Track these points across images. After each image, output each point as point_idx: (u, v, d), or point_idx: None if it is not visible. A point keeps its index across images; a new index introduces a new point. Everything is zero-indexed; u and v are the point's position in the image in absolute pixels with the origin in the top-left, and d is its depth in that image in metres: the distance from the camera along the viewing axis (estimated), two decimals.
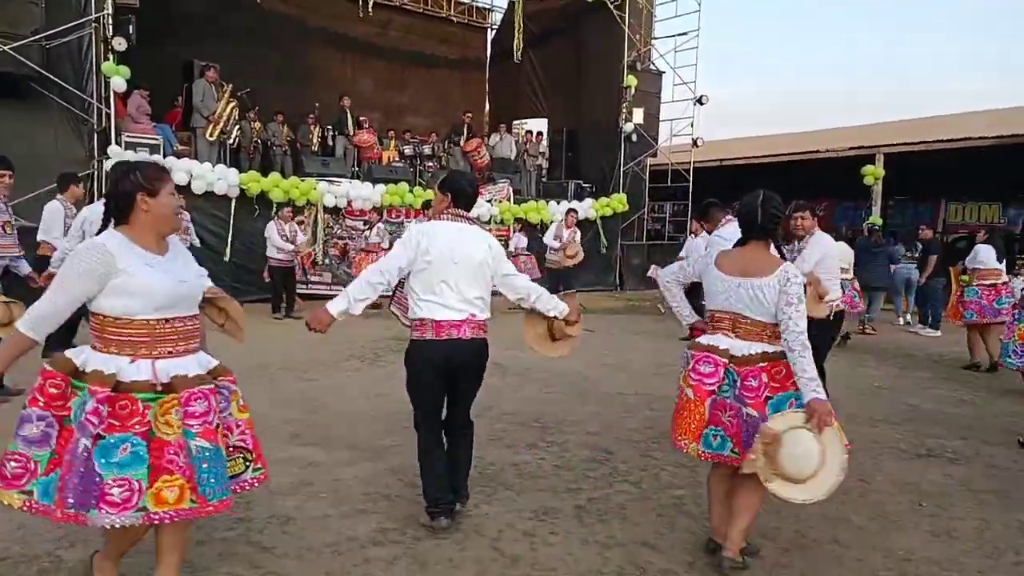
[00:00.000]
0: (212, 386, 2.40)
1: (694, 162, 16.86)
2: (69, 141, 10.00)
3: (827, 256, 5.02)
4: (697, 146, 16.45)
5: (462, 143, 14.82)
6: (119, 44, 10.03)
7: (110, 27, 10.15)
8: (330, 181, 11.96)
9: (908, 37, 67.11)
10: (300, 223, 11.63)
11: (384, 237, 11.37)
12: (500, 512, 3.56)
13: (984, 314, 7.56)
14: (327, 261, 12.03)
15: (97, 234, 2.41)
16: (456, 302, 3.19)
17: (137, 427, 2.26)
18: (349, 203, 12.06)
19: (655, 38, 16.78)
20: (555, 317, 3.56)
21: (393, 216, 12.58)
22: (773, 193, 3.00)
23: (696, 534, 3.37)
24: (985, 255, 7.77)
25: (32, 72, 9.27)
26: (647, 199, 16.92)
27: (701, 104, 16.26)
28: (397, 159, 13.98)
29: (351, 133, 13.57)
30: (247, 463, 2.53)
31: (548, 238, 11.98)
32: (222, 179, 10.78)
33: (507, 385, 6.33)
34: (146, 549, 2.64)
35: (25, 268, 5.67)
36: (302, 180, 11.68)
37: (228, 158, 11.67)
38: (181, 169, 10.42)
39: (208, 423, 2.33)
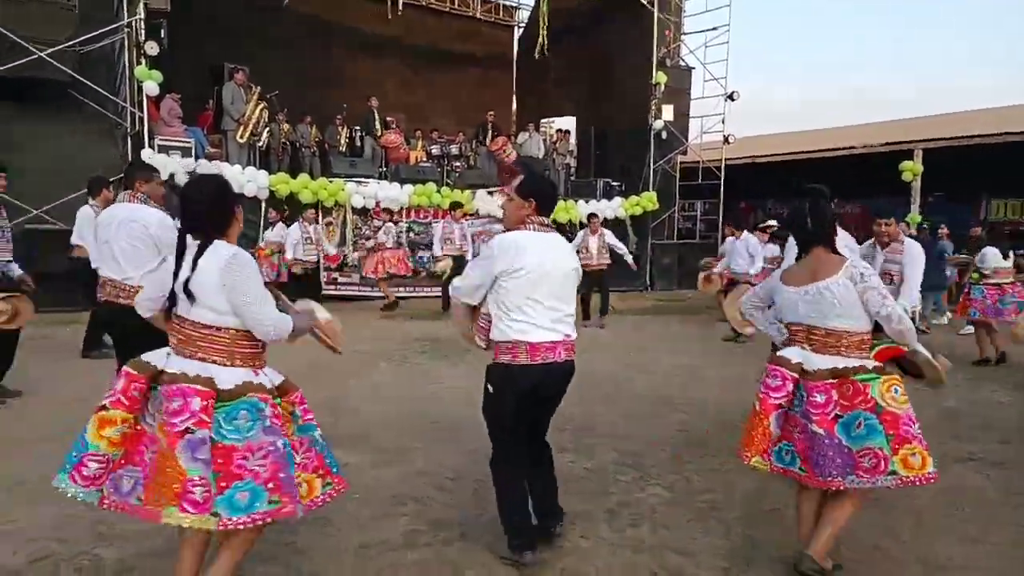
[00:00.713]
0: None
1: (725, 159, 16.66)
2: (103, 145, 10.19)
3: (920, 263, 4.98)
4: (728, 143, 16.26)
5: (487, 142, 14.81)
6: (151, 49, 10.19)
7: (142, 32, 10.34)
8: (358, 182, 12.04)
9: (916, 34, 65.59)
10: (328, 224, 11.75)
11: (391, 236, 11.39)
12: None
13: (987, 313, 7.76)
14: (355, 263, 12.10)
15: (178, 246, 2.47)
16: (550, 321, 2.92)
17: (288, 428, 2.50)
18: (377, 204, 12.12)
19: (685, 34, 16.59)
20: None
21: (421, 216, 12.62)
22: (819, 194, 2.96)
23: (731, 540, 3.31)
24: (992, 258, 7.86)
25: (67, 77, 9.47)
26: (677, 197, 16.75)
27: (732, 100, 16.05)
28: (424, 159, 14.02)
29: (379, 134, 13.64)
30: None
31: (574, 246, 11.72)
32: (252, 181, 10.91)
33: None
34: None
35: (17, 271, 5.80)
36: (330, 181, 11.78)
37: (258, 160, 11.82)
38: (212, 172, 10.55)
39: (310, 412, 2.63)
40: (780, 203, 21.67)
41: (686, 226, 19.05)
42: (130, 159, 10.28)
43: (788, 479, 3.01)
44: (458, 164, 14.39)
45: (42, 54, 9.11)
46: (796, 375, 2.83)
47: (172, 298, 2.42)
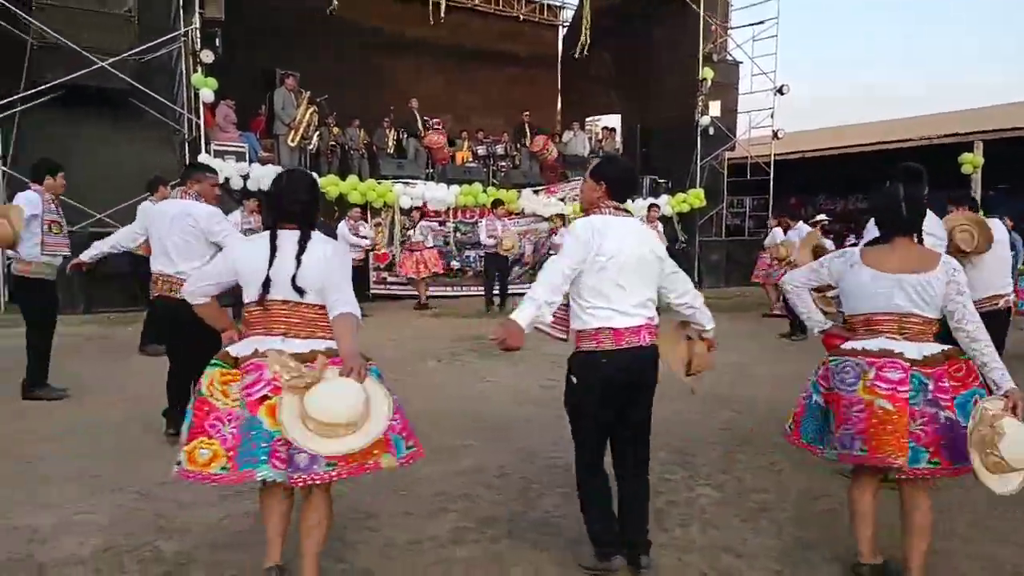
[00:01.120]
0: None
1: (775, 155, 16.33)
2: (162, 151, 10.55)
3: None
4: (778, 138, 15.93)
5: (528, 143, 14.81)
6: (207, 57, 10.50)
7: (198, 41, 10.65)
8: (405, 183, 12.19)
9: (926, 30, 62.81)
10: (377, 224, 11.93)
11: (427, 235, 11.50)
12: (578, 513, 3.50)
13: None
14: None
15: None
16: (632, 307, 2.82)
17: None
18: (424, 204, 12.25)
19: (731, 28, 16.32)
20: (701, 337, 3.17)
21: (467, 216, 12.70)
22: (916, 176, 2.88)
23: (783, 541, 3.25)
24: None
25: (127, 86, 9.83)
26: (725, 194, 16.50)
27: (782, 94, 15.75)
28: (471, 159, 14.11)
29: (421, 135, 13.77)
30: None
31: None
32: None
33: None
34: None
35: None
36: (379, 183, 11.95)
37: (308, 163, 12.06)
38: (265, 175, 10.82)
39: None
40: (831, 198, 21.15)
41: (734, 222, 18.75)
42: (187, 165, 10.63)
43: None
44: (503, 164, 14.45)
45: (104, 64, 9.47)
46: (908, 364, 2.68)
47: (266, 285, 2.57)
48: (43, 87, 9.44)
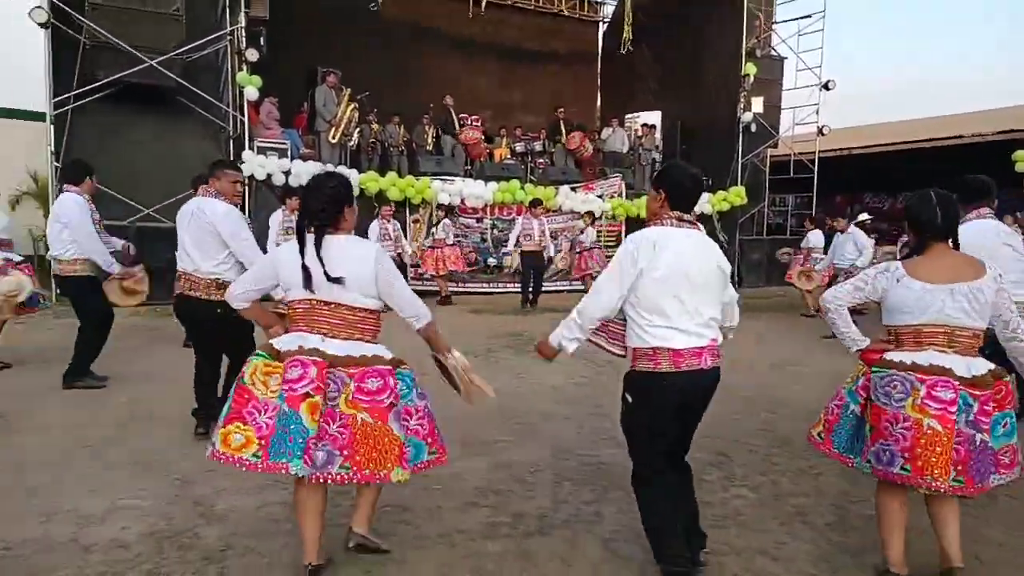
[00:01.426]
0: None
1: (819, 151, 15.99)
2: (208, 147, 10.76)
3: None
4: (823, 135, 15.59)
5: (563, 140, 14.76)
6: (252, 55, 10.70)
7: (243, 39, 10.85)
8: (444, 180, 12.25)
9: (981, 22, 59.83)
10: (416, 221, 12.02)
11: (449, 233, 11.53)
12: (613, 512, 3.51)
13: None
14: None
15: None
16: (694, 326, 2.66)
17: None
18: (462, 201, 12.30)
19: (776, 22, 16.02)
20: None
21: (504, 214, 12.72)
22: (945, 191, 2.80)
23: (819, 546, 3.19)
24: None
25: (174, 84, 10.06)
26: (767, 192, 16.22)
27: (828, 90, 15.41)
28: (509, 156, 14.12)
29: (457, 132, 13.82)
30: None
31: None
32: None
33: (619, 384, 6.19)
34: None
35: (118, 243, 5.85)
36: (417, 179, 12.03)
37: (348, 159, 12.21)
38: (306, 171, 10.99)
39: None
40: (878, 196, 20.63)
41: (776, 221, 18.42)
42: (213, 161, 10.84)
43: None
44: (542, 161, 14.43)
45: (153, 62, 9.71)
46: (957, 383, 2.59)
47: (308, 285, 2.64)
48: (95, 85, 9.71)
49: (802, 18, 15.72)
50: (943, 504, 2.75)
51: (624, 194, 13.79)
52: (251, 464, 2.53)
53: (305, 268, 2.63)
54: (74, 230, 5.32)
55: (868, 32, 58.66)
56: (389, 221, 10.79)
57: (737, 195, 14.63)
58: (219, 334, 4.32)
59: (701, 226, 2.86)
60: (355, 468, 2.57)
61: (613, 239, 13.90)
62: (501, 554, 3.05)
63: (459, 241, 12.02)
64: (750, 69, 14.56)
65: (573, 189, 13.39)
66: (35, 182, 13.56)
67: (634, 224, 13.84)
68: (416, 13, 15.83)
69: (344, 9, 14.68)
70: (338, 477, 2.57)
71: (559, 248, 12.69)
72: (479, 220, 12.66)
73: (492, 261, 12.62)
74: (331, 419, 2.58)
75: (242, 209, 10.74)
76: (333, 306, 2.67)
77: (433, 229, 11.68)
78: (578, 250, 12.35)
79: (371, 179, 11.53)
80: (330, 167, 11.25)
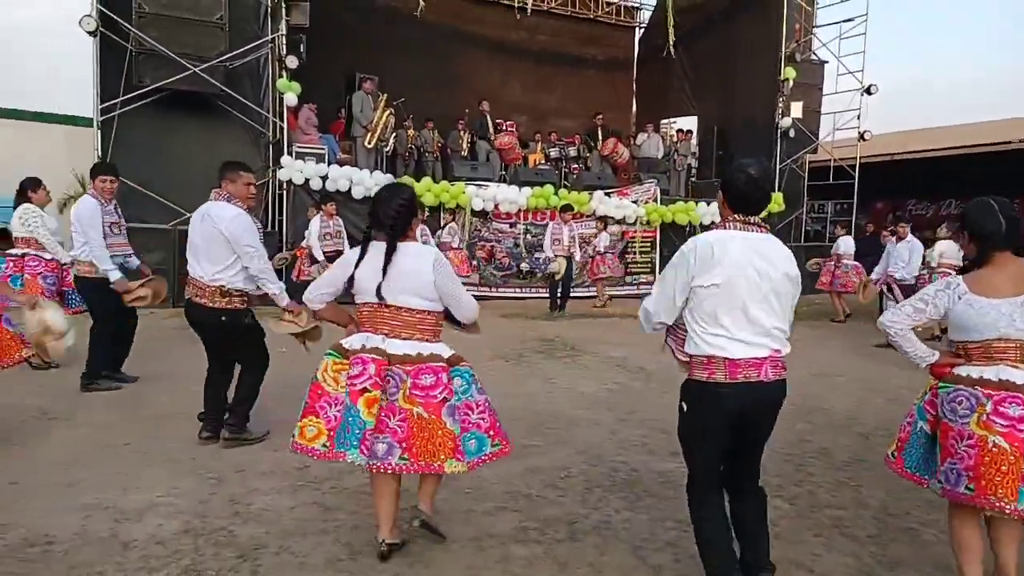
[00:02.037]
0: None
1: (860, 157, 15.68)
2: (249, 153, 10.96)
3: None
4: (864, 140, 15.29)
5: (599, 146, 14.70)
6: (292, 62, 10.90)
7: (284, 47, 11.05)
8: (478, 185, 12.29)
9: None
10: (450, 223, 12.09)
11: (454, 236, 11.54)
12: (643, 519, 3.48)
13: None
14: (475, 263, 12.38)
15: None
16: (753, 335, 2.49)
17: None
18: (496, 206, 12.34)
19: (817, 26, 15.76)
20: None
21: (538, 219, 12.71)
22: (1003, 198, 2.70)
23: (859, 558, 3.12)
24: None
25: (217, 90, 10.29)
26: (805, 198, 15.95)
27: (870, 94, 15.11)
28: (543, 162, 14.12)
29: (492, 137, 13.85)
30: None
31: None
32: (379, 185, 11.38)
33: (651, 390, 6.19)
34: None
35: (135, 262, 5.83)
36: (451, 184, 12.10)
37: (384, 164, 12.34)
38: (343, 176, 11.14)
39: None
40: (921, 203, 20.15)
41: (814, 228, 18.09)
42: (271, 166, 11.05)
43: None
44: (576, 166, 14.40)
45: (196, 69, 9.95)
46: None
47: (379, 290, 2.83)
48: (141, 91, 9.98)
49: (844, 21, 15.46)
50: (1004, 525, 2.64)
51: (659, 199, 13.69)
52: (320, 453, 2.79)
53: (351, 278, 2.88)
54: (81, 232, 5.31)
55: (913, 35, 57.28)
56: (332, 218, 10.15)
57: (774, 201, 14.40)
58: (225, 342, 4.31)
59: (766, 227, 2.62)
60: (412, 459, 2.76)
61: (648, 245, 13.82)
62: (530, 559, 3.04)
63: (466, 245, 12.10)
64: (789, 73, 14.36)
65: (607, 194, 13.33)
66: (82, 186, 13.98)
67: (669, 230, 13.74)
68: (453, 19, 15.94)
69: (382, 16, 14.88)
70: (397, 467, 2.77)
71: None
72: (512, 225, 12.67)
73: (524, 266, 12.61)
74: (392, 413, 2.79)
75: (278, 213, 11.00)
76: (393, 309, 2.86)
77: (440, 232, 11.72)
78: (591, 254, 12.29)
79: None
80: (366, 172, 11.40)
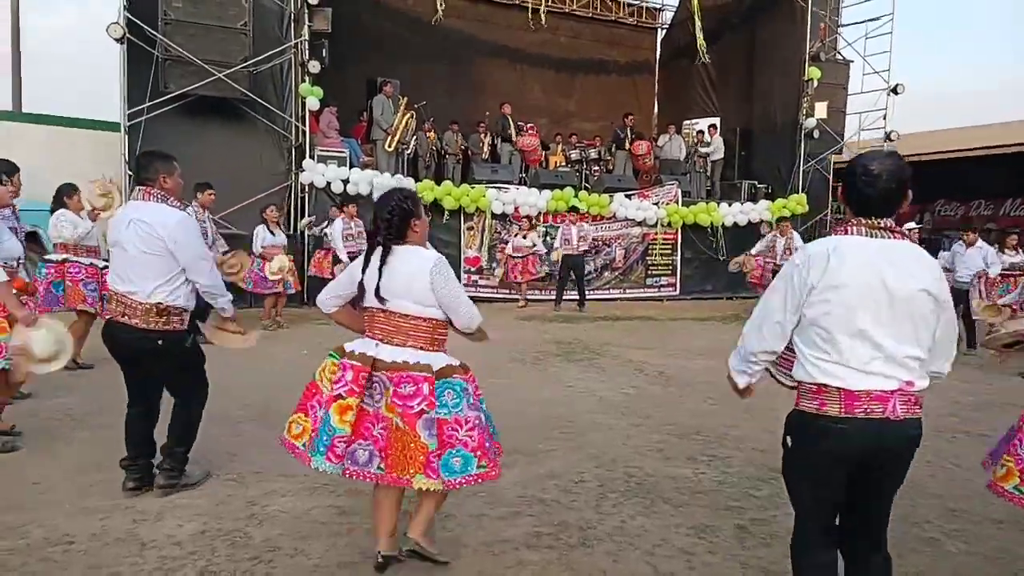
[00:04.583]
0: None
1: None
2: (272, 157, 11.13)
3: None
4: (891, 140, 15.05)
5: (628, 145, 14.64)
6: (314, 67, 11.01)
7: (306, 52, 11.17)
8: (498, 188, 12.31)
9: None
10: (470, 229, 12.12)
11: (535, 242, 11.67)
12: (657, 526, 3.46)
13: None
14: (494, 266, 12.39)
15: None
16: (879, 363, 2.07)
17: None
18: (516, 209, 12.35)
19: (842, 25, 15.56)
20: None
21: (558, 221, 12.69)
22: None
23: None
24: None
25: (241, 96, 10.43)
26: (831, 199, 15.74)
27: (896, 94, 14.88)
28: (563, 164, 14.10)
29: (514, 139, 13.85)
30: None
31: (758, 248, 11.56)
32: None
33: (669, 395, 6.16)
34: None
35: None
36: (472, 187, 12.13)
37: (405, 168, 12.41)
38: (364, 179, 11.23)
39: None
40: (950, 204, 19.80)
41: None
42: (293, 170, 11.16)
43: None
44: (596, 168, 14.37)
45: (221, 75, 10.09)
46: None
47: (378, 294, 2.76)
48: (167, 97, 10.15)
49: (869, 20, 15.24)
50: None
51: (680, 201, 13.61)
52: (299, 452, 2.77)
53: (361, 284, 2.80)
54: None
55: (940, 34, 56.29)
56: (353, 219, 10.19)
57: (798, 203, 14.25)
58: (159, 369, 3.57)
59: (906, 233, 2.22)
60: (387, 470, 2.71)
61: (669, 247, 13.73)
62: (543, 565, 3.04)
63: (487, 248, 12.27)
64: (813, 74, 14.19)
65: (628, 197, 13.28)
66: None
67: (691, 231, 13.64)
68: (472, 23, 16.01)
69: (402, 22, 15.00)
70: (375, 476, 2.72)
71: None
72: (532, 228, 12.64)
73: (545, 269, 12.61)
74: (376, 421, 2.73)
75: (301, 216, 11.08)
76: (387, 314, 2.79)
77: (515, 236, 11.92)
78: (518, 255, 12.06)
79: (427, 187, 11.68)
80: (387, 176, 11.47)
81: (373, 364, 2.72)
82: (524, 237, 12.10)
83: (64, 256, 6.35)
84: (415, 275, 2.74)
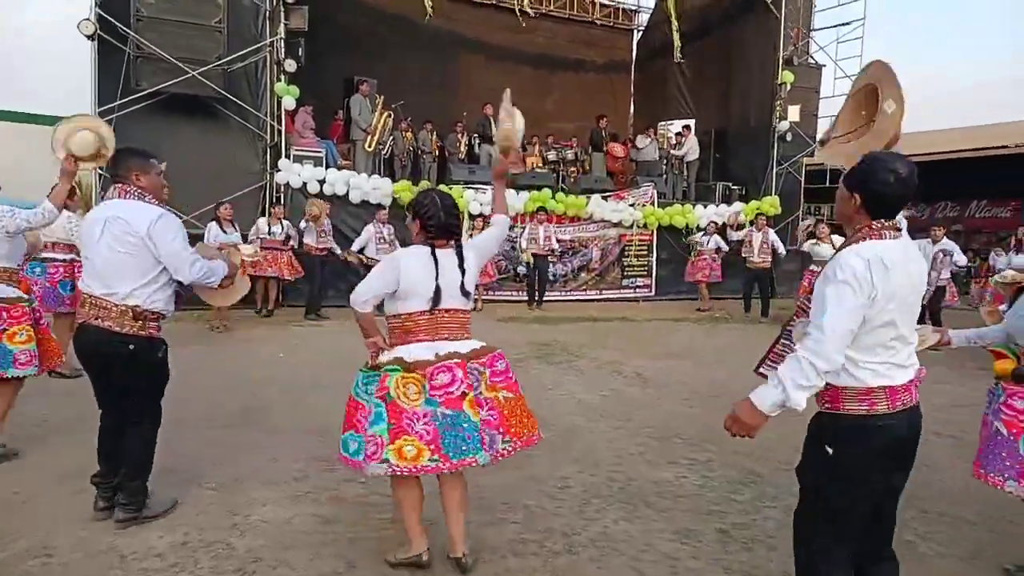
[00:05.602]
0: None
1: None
2: (247, 156, 11.00)
3: None
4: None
5: (605, 147, 14.72)
6: (290, 66, 10.91)
7: (282, 50, 11.06)
8: (476, 188, 12.29)
9: None
10: None
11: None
12: (641, 531, 3.49)
13: None
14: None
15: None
16: (910, 355, 2.24)
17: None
18: (493, 210, 12.32)
19: (814, 30, 15.80)
20: None
21: (534, 222, 12.68)
22: None
23: None
24: None
25: (215, 94, 10.29)
26: (803, 201, 15.99)
27: None
28: (540, 165, 14.12)
29: (495, 139, 13.81)
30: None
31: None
32: (378, 188, 11.42)
33: (647, 397, 6.21)
34: None
35: None
36: (449, 188, 12.08)
37: (382, 168, 12.34)
38: (340, 180, 11.16)
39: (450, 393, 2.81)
40: (916, 206, 20.22)
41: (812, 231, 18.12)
42: (269, 169, 11.04)
43: None
44: (573, 169, 14.41)
45: (194, 73, 9.95)
46: None
47: (437, 295, 2.88)
48: (139, 95, 9.97)
49: (841, 25, 15.49)
50: None
51: (656, 203, 13.71)
52: (432, 468, 2.76)
53: (438, 288, 2.88)
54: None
55: (911, 38, 57.34)
56: (384, 224, 10.64)
57: (771, 204, 14.45)
58: (127, 377, 3.34)
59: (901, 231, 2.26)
60: (515, 439, 2.89)
61: (644, 248, 13.83)
62: (528, 573, 3.05)
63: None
64: (787, 77, 14.40)
65: (604, 198, 13.35)
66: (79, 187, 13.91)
67: (666, 233, 13.73)
68: (449, 22, 15.93)
69: (379, 20, 14.91)
70: (504, 452, 2.86)
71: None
72: (510, 228, 12.66)
73: (521, 269, 12.63)
74: (480, 407, 2.85)
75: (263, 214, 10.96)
76: (452, 312, 2.94)
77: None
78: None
79: (405, 188, 11.62)
80: (364, 176, 11.40)
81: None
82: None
83: (72, 256, 6.27)
84: (475, 270, 3.05)
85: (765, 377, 2.33)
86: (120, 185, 3.39)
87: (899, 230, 2.20)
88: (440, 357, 2.82)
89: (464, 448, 2.76)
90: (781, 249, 11.88)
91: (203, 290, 3.72)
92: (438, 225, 2.95)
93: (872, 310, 2.11)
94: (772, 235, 11.77)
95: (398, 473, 2.77)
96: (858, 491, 2.20)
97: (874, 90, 2.76)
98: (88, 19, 9.76)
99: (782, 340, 2.42)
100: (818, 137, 14.33)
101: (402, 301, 2.89)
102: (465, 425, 2.77)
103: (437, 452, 2.73)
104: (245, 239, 9.46)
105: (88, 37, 9.82)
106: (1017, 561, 3.18)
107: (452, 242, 3.00)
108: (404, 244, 9.69)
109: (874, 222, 2.18)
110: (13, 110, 13.90)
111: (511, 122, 3.29)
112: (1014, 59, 51.25)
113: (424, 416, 2.75)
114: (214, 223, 9.00)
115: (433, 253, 2.91)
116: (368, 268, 10.39)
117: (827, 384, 2.17)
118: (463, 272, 2.96)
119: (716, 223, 13.24)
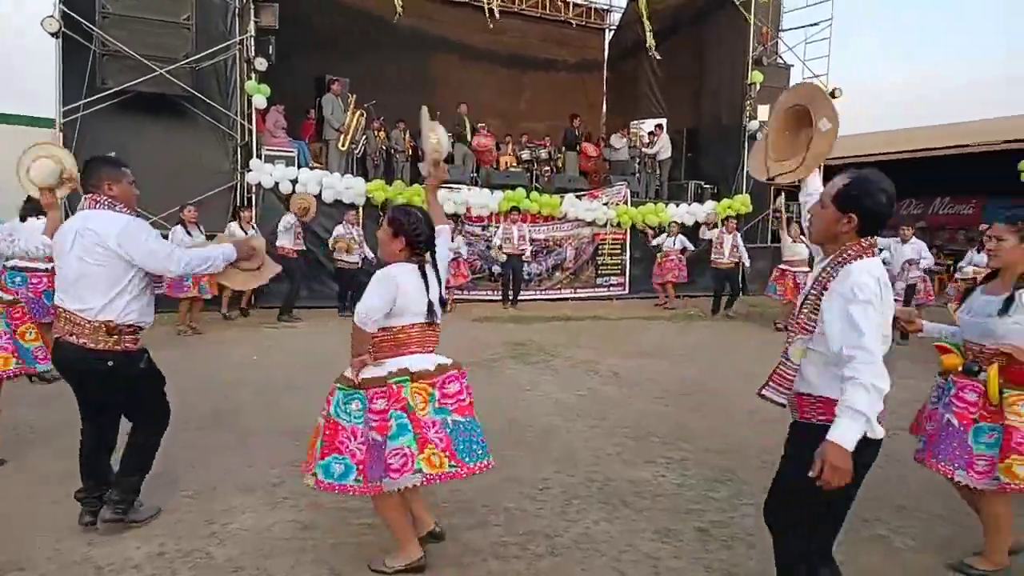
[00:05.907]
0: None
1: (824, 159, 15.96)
2: (216, 156, 10.84)
3: None
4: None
5: (578, 147, 14.78)
6: (260, 64, 10.77)
7: (252, 49, 10.91)
8: (450, 188, 12.25)
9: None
10: None
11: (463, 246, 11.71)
12: (621, 531, 3.52)
13: None
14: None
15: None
16: None
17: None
18: (468, 209, 12.32)
19: (783, 30, 16.03)
20: None
21: (497, 222, 12.68)
22: None
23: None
24: None
25: (183, 92, 10.11)
26: (772, 199, 16.20)
27: (835, 97, 15.36)
28: (514, 164, 14.13)
29: (470, 139, 13.81)
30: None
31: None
32: (351, 188, 11.32)
33: (622, 395, 6.26)
34: None
35: None
36: (423, 187, 12.03)
37: (354, 167, 12.23)
38: (313, 180, 11.04)
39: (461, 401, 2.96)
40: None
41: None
42: (239, 169, 10.88)
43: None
44: (547, 169, 14.43)
45: (162, 71, 9.77)
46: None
47: (431, 310, 2.98)
48: (105, 93, 9.77)
49: (809, 26, 15.73)
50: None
51: (629, 202, 13.81)
52: (452, 474, 2.83)
53: (430, 303, 2.97)
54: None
55: (877, 39, 58.35)
56: (354, 225, 10.65)
57: (742, 203, 14.62)
58: (109, 394, 3.29)
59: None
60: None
61: (618, 247, 13.91)
62: (512, 573, 3.06)
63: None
64: (756, 77, 14.58)
65: (578, 197, 13.41)
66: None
67: (639, 232, 13.82)
68: (422, 21, 15.84)
69: (351, 18, 14.78)
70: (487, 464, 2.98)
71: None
72: (484, 228, 12.66)
73: (497, 269, 12.63)
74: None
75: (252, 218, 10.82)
76: (434, 326, 3.04)
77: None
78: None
79: (378, 188, 11.55)
80: (336, 176, 11.30)
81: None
82: (451, 240, 12.13)
83: (52, 265, 6.07)
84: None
85: (769, 400, 2.45)
86: (91, 195, 3.31)
87: (880, 249, 2.31)
88: (441, 368, 2.94)
89: (479, 452, 2.90)
90: (746, 259, 12.09)
91: (225, 275, 3.59)
92: (426, 241, 3.02)
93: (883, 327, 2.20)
94: (739, 239, 12.11)
95: (430, 483, 2.83)
96: (855, 488, 2.27)
97: (804, 111, 2.84)
98: (52, 16, 9.53)
99: (783, 363, 2.40)
100: (746, 158, 14.60)
101: (396, 317, 2.92)
102: (477, 431, 2.94)
103: (453, 458, 2.82)
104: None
105: (52, 35, 9.60)
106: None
107: (428, 256, 3.07)
108: (371, 246, 9.63)
109: (863, 240, 2.24)
110: (12, 113, 13.62)
111: (435, 136, 3.44)
112: (1008, 57, 52.51)
113: (434, 425, 2.84)
114: (179, 226, 8.83)
115: (420, 269, 2.98)
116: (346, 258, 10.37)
117: (820, 396, 2.26)
118: (440, 285, 3.08)
119: (678, 223, 13.40)
